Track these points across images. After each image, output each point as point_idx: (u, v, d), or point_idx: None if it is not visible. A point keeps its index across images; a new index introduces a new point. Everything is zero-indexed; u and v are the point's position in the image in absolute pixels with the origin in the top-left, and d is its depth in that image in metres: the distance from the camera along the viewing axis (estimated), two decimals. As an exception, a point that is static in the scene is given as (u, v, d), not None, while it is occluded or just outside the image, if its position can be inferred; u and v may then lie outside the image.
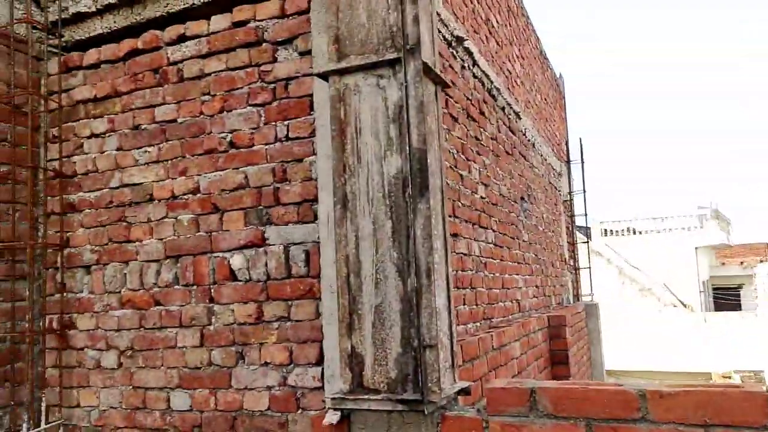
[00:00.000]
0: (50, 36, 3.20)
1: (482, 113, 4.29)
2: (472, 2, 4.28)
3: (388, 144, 2.14)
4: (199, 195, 2.88)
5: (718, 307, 24.46)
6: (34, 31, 3.15)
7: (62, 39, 3.22)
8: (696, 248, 22.03)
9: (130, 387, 2.91)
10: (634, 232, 23.87)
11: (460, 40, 3.78)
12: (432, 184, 2.12)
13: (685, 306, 19.23)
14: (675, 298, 19.18)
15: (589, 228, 21.57)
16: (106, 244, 3.04)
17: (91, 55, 3.17)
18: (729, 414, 1.68)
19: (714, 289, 25.24)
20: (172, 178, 2.93)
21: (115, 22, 3.14)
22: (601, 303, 9.50)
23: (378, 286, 2.10)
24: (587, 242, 9.68)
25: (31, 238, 3.04)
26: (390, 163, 2.13)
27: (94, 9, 3.13)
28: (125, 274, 2.99)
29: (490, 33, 4.83)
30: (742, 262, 25.41)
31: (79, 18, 3.20)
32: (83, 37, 3.23)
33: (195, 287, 2.83)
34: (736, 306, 24.54)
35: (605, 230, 24.15)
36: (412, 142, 2.09)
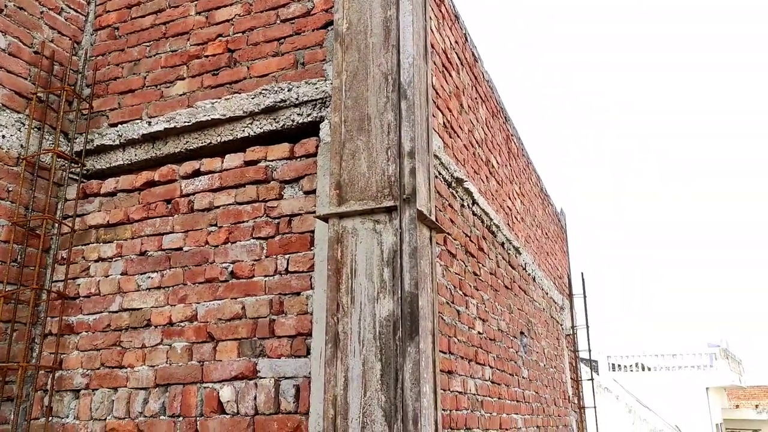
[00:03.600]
0: (73, 164, 3.41)
1: (481, 249, 4.40)
2: (473, 146, 4.55)
3: (381, 286, 2.22)
4: (195, 323, 2.92)
5: (735, 453, 23.09)
6: (58, 159, 3.37)
7: (84, 167, 3.43)
8: (707, 389, 21.26)
9: None
10: (643, 368, 23.20)
11: (459, 181, 3.98)
12: (422, 328, 2.16)
13: (699, 451, 18.18)
14: (688, 441, 18.20)
15: (596, 362, 21.02)
16: (98, 369, 3.04)
17: (109, 184, 3.36)
18: None
19: (729, 433, 23.99)
20: (171, 305, 2.99)
21: (135, 155, 3.37)
22: (608, 445, 9.05)
23: (364, 430, 2.07)
24: (592, 378, 9.42)
25: (24, 359, 3.05)
26: (382, 305, 2.19)
27: (118, 143, 3.37)
28: (113, 401, 2.95)
29: (491, 173, 5.08)
30: (756, 405, 24.36)
31: (102, 150, 3.43)
32: (104, 167, 3.44)
33: (181, 419, 2.78)
34: (754, 453, 23.16)
35: (613, 365, 23.50)
36: (405, 286, 2.17)
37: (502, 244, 5.08)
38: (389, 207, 2.28)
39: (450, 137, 3.99)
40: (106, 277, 3.19)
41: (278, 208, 2.94)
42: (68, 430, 3.00)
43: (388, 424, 2.05)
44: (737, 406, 25.09)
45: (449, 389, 3.35)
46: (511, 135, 6.08)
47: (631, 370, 23.11)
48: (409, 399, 2.04)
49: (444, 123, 3.88)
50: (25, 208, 3.21)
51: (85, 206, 3.38)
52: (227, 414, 2.71)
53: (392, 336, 2.14)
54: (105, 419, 2.94)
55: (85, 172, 3.46)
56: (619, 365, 23.34)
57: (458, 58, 4.28)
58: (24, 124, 3.27)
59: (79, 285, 3.23)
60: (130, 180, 3.31)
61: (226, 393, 2.73)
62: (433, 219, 2.43)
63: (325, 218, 2.42)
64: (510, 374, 4.78)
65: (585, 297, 9.38)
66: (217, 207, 3.07)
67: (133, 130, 3.35)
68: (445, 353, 3.35)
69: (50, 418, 3.04)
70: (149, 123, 3.32)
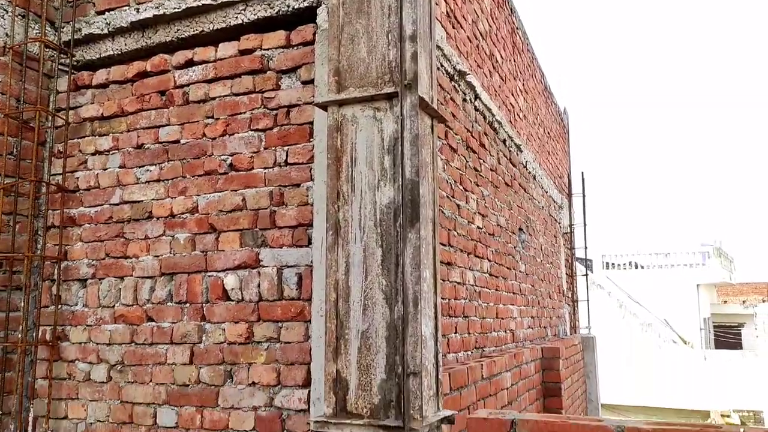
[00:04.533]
0: (62, 55, 3.29)
1: (482, 145, 4.35)
2: (476, 38, 4.38)
3: (381, 174, 2.20)
4: (197, 215, 2.93)
5: (719, 345, 24.25)
6: (46, 49, 3.25)
7: (73, 58, 3.31)
8: (698, 285, 21.94)
9: (118, 401, 2.93)
10: (637, 267, 23.81)
11: (462, 74, 3.87)
12: (423, 215, 2.17)
13: (685, 343, 19.09)
14: (675, 334, 19.05)
15: (591, 260, 21.54)
16: (103, 259, 3.09)
17: (101, 75, 3.26)
18: (704, 455, 1.70)
19: (715, 326, 25.05)
20: (172, 197, 2.99)
21: (125, 44, 3.24)
22: (600, 336, 9.47)
23: (365, 312, 2.14)
24: (587, 275, 9.68)
25: (29, 249, 3.10)
26: (383, 193, 2.19)
27: (106, 31, 3.23)
28: (120, 289, 3.03)
29: (494, 67, 4.93)
30: (743, 301, 25.27)
31: (91, 39, 3.30)
32: (94, 58, 3.32)
33: (188, 305, 2.87)
34: (737, 345, 24.33)
35: (607, 263, 24.10)
36: (406, 173, 2.15)
37: (504, 141, 5.03)
38: (390, 93, 2.22)
39: (453, 27, 3.83)
40: (105, 170, 3.17)
41: (276, 99, 2.87)
42: (78, 316, 3.10)
43: (389, 306, 2.11)
44: (725, 302, 26.04)
45: (448, 280, 3.44)
46: (517, 28, 5.84)
47: (625, 269, 23.74)
48: (409, 282, 2.08)
49: (447, 12, 3.70)
50: (17, 100, 3.13)
51: (78, 98, 3.30)
52: (232, 301, 2.79)
53: (393, 223, 2.15)
54: (113, 306, 3.03)
55: (75, 63, 3.34)
56: (612, 264, 23.95)
57: (463, -61, 4.02)
58: (7, 11, 3.12)
59: (78, 178, 3.22)
60: (121, 71, 3.21)
61: (230, 281, 2.80)
62: (435, 107, 2.37)
63: (324, 106, 2.36)
64: (507, 268, 4.89)
65: (584, 197, 9.44)
66: (213, 98, 2.99)
67: (122, 18, 3.20)
68: (444, 245, 3.40)
69: (59, 306, 3.13)
70: (137, 10, 3.16)
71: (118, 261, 3.06)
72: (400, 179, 2.16)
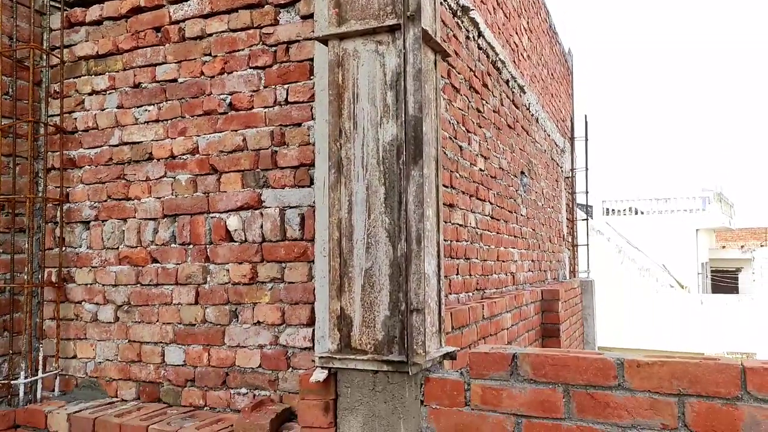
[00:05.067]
0: (53, -10, 3.18)
1: (485, 85, 4.27)
2: (479, -29, 4.22)
3: (384, 110, 2.16)
4: (197, 156, 2.90)
5: (716, 289, 24.56)
6: (36, -16, 3.14)
7: (65, -6, 3.20)
8: (697, 230, 22.04)
9: (126, 341, 2.98)
10: (637, 212, 23.86)
11: (465, 9, 3.75)
12: (426, 153, 2.14)
13: (682, 287, 19.33)
14: (673, 278, 19.27)
15: (591, 206, 21.57)
16: (105, 201, 3.08)
17: (94, 11, 3.16)
18: (703, 384, 1.73)
19: (712, 271, 25.31)
20: (171, 138, 2.95)
21: (117, -22, 3.12)
22: (598, 280, 9.57)
23: (369, 250, 2.14)
24: (587, 220, 9.70)
25: (30, 191, 3.08)
26: (385, 130, 2.15)
27: (97, -36, 3.11)
28: (123, 231, 3.03)
29: (498, 4, 4.78)
30: (742, 246, 25.44)
31: (82, -27, 3.18)
32: (86, -7, 3.21)
33: (191, 246, 2.88)
34: (734, 289, 24.65)
35: (607, 209, 24.14)
36: (408, 109, 2.11)
37: (507, 82, 4.93)
38: (392, 26, 2.15)
39: (456, -41, 3.69)
40: (102, 110, 3.12)
41: (275, 35, 2.79)
42: (82, 258, 3.12)
43: (392, 243, 2.11)
44: (724, 247, 26.22)
45: (450, 221, 3.43)
46: (522, -38, 5.64)
47: (625, 214, 23.79)
48: (412, 220, 2.07)
49: (450, -58, 3.56)
50: (9, 38, 3.05)
51: (72, 36, 3.21)
52: (235, 242, 2.79)
53: (396, 160, 2.12)
54: (118, 248, 3.04)
55: (66, -1, 3.23)
56: (612, 210, 23.98)
57: None
58: (-7, -56, 2.99)
59: (75, 119, 3.17)
60: (114, 6, 3.11)
61: (233, 222, 2.79)
62: (438, 41, 2.30)
63: (324, 40, 2.29)
64: (509, 211, 4.88)
65: (586, 141, 9.35)
66: (210, 35, 2.91)
67: (113, -50, 3.07)
68: (447, 187, 3.38)
69: (63, 248, 3.14)
70: (129, -59, 3.03)
71: (120, 203, 3.04)
72: (403, 115, 2.12)
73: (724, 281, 25.04)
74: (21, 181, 3.08)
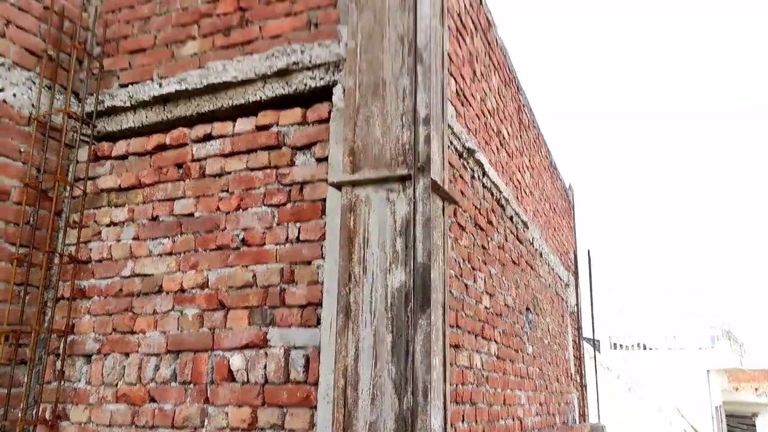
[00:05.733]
0: (84, 126, 3.38)
1: (490, 222, 4.37)
2: (484, 115, 4.48)
3: (393, 257, 2.20)
4: (207, 290, 2.91)
5: (733, 434, 23.31)
6: (69, 120, 3.33)
7: (95, 129, 3.39)
8: (708, 371, 21.37)
9: (113, 484, 2.81)
10: (645, 348, 23.31)
11: (471, 151, 3.93)
12: (434, 300, 2.15)
13: None
14: (687, 422, 18.39)
15: (598, 341, 21.15)
16: (110, 334, 3.05)
17: (121, 147, 3.33)
18: None
19: (727, 415, 24.18)
20: (183, 271, 2.98)
21: (146, 117, 3.32)
22: (609, 424, 9.14)
23: (374, 401, 2.07)
24: (595, 357, 9.47)
25: (37, 322, 3.06)
26: (394, 276, 2.18)
27: (128, 104, 3.32)
28: (124, 366, 2.96)
29: (501, 144, 5.02)
30: (756, 388, 24.49)
31: (113, 111, 3.39)
32: (115, 129, 3.40)
33: (192, 386, 2.80)
34: (752, 435, 23.38)
35: (615, 344, 23.62)
36: (417, 257, 2.15)
37: (511, 218, 5.05)
38: (403, 176, 2.25)
39: (462, 105, 3.92)
40: (118, 241, 3.18)
41: (290, 175, 2.91)
42: (80, 394, 3.02)
43: (398, 396, 2.05)
44: (737, 389, 25.23)
45: (456, 363, 3.36)
46: (523, 105, 5.99)
47: (633, 350, 23.23)
48: (419, 371, 2.03)
49: (456, 90, 3.81)
50: (37, 169, 3.19)
51: (97, 169, 3.35)
52: (237, 382, 2.72)
53: (404, 307, 2.13)
54: (116, 385, 2.95)
55: (96, 134, 3.42)
56: (620, 344, 23.46)
57: (472, 22, 4.19)
58: (35, 83, 3.22)
59: (91, 249, 3.23)
60: (141, 143, 3.28)
61: (236, 361, 2.74)
62: (447, 190, 2.40)
63: (338, 186, 2.39)
64: (515, 350, 4.79)
65: (590, 274, 9.38)
66: (229, 172, 3.04)
67: (144, 92, 3.30)
68: (452, 327, 3.35)
69: (62, 382, 3.06)
70: (160, 84, 3.27)
71: (124, 336, 3.01)
72: (412, 262, 2.15)
73: (740, 427, 23.84)
74: (29, 311, 3.07)
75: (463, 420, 3.35)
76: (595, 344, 12.30)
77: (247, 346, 2.74)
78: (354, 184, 2.35)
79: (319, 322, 2.63)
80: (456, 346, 3.38)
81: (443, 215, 2.42)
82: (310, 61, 2.93)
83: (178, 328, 2.91)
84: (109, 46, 3.49)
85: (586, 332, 9.17)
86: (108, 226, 3.23)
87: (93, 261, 3.20)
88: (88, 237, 3.25)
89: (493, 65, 4.77)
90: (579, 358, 8.43)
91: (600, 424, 7.58)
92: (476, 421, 3.58)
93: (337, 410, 2.11)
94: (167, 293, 2.98)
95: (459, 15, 3.83)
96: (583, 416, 8.08)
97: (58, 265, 3.21)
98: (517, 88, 5.72)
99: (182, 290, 2.96)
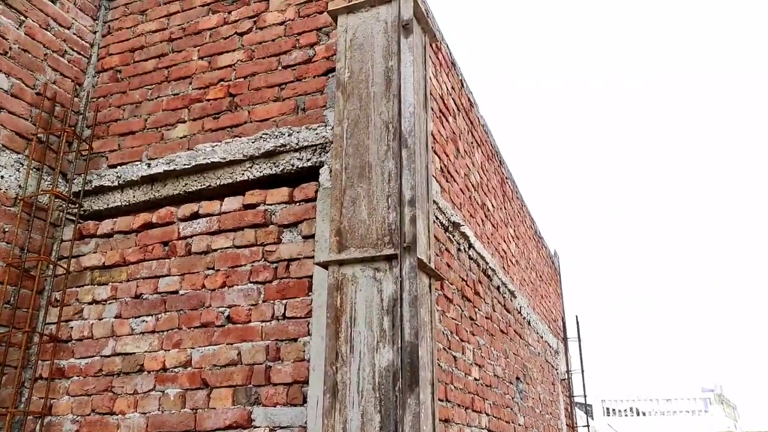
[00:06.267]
0: (71, 205, 3.40)
1: (477, 293, 4.38)
2: (468, 190, 4.58)
3: (381, 335, 2.20)
4: (189, 368, 2.87)
5: (733, 502, 22.61)
6: (56, 200, 3.36)
7: (81, 208, 3.42)
8: (703, 435, 20.96)
9: None
10: (638, 413, 22.89)
11: (456, 225, 4.00)
12: (422, 378, 2.14)
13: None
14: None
15: (591, 406, 20.76)
16: (89, 415, 2.96)
17: (106, 225, 3.34)
18: None
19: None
20: (165, 350, 2.94)
21: (134, 196, 3.36)
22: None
23: (362, 485, 2.02)
24: (588, 426, 9.28)
25: (13, 404, 2.97)
26: (382, 355, 2.17)
27: (116, 184, 3.37)
28: (102, 449, 2.87)
29: (486, 216, 5.10)
30: (753, 453, 23.96)
31: (101, 191, 3.43)
32: (101, 208, 3.43)
33: (173, 469, 2.71)
34: (752, 503, 22.71)
35: (607, 409, 23.19)
36: (405, 335, 2.15)
37: (498, 288, 5.07)
38: (389, 255, 2.28)
39: (447, 181, 4.02)
40: (100, 320, 3.14)
41: (276, 253, 2.93)
42: (54, 479, 2.91)
43: (387, 479, 2.00)
44: (733, 453, 24.67)
45: (446, 438, 3.29)
46: (506, 178, 6.13)
47: (626, 415, 22.80)
48: (408, 453, 1.99)
49: (441, 167, 3.91)
50: (21, 249, 3.18)
51: (81, 247, 3.35)
52: (220, 465, 2.64)
53: (392, 387, 2.11)
54: (93, 469, 2.85)
55: (82, 212, 3.44)
56: (613, 410, 23.03)
57: (455, 103, 4.35)
58: (23, 165, 3.27)
59: (72, 327, 3.18)
60: (127, 221, 3.30)
61: (219, 442, 2.67)
62: (433, 267, 2.43)
63: (324, 265, 2.41)
64: (506, 422, 4.70)
65: (579, 340, 9.33)
66: (215, 250, 3.05)
67: (133, 172, 3.35)
68: (442, 401, 3.30)
69: (36, 466, 2.95)
70: (149, 165, 3.33)
71: (103, 417, 2.93)
72: (399, 341, 2.15)
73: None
74: (5, 392, 2.99)
75: (454, 501, 3.25)
76: (587, 410, 12.06)
77: (230, 427, 2.67)
78: (341, 263, 2.38)
79: (305, 401, 2.59)
80: (446, 421, 3.32)
81: (430, 292, 2.44)
82: (297, 144, 3.02)
83: (159, 409, 2.84)
84: (99, 128, 3.57)
85: (578, 398, 9.02)
86: (90, 304, 3.20)
87: (73, 340, 3.15)
88: (70, 315, 3.21)
89: (476, 142, 4.93)
90: (572, 426, 8.25)
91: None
92: (468, 501, 3.47)
93: (325, 498, 2.05)
94: (149, 372, 2.93)
95: (441, 97, 3.98)
96: (578, 489, 7.83)
97: (38, 344, 3.16)
98: (500, 162, 5.88)
99: (164, 369, 2.90)
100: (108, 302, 3.17)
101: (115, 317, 3.12)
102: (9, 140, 3.22)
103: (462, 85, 4.63)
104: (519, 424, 5.11)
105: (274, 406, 2.64)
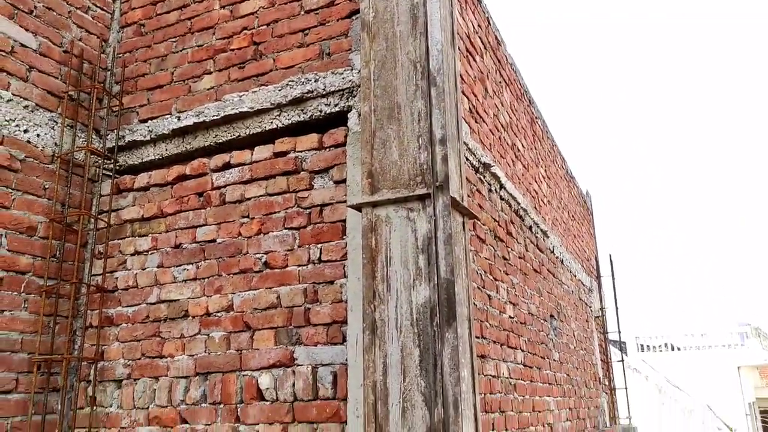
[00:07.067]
0: (106, 161, 3.47)
1: (509, 233, 4.39)
2: (498, 130, 4.52)
3: (417, 273, 2.23)
4: (232, 313, 2.97)
5: (768, 432, 22.80)
6: (91, 156, 3.43)
7: (116, 164, 3.49)
8: (738, 368, 20.98)
9: None
10: (673, 348, 22.96)
11: (486, 166, 3.97)
12: (459, 313, 2.18)
13: (731, 430, 18.02)
14: (720, 421, 18.04)
15: (625, 343, 20.89)
16: (139, 359, 3.11)
17: (142, 179, 3.41)
18: None
19: (762, 412, 23.67)
20: (208, 296, 3.04)
21: (166, 149, 3.41)
22: (640, 425, 9.02)
23: (405, 415, 2.10)
24: (623, 360, 9.37)
25: (67, 351, 3.14)
26: (418, 292, 2.21)
27: (148, 138, 3.41)
28: (155, 390, 3.03)
29: (516, 157, 5.04)
30: (790, 384, 23.95)
31: (134, 145, 3.49)
32: (136, 162, 3.50)
33: (222, 406, 2.85)
34: (788, 432, 22.84)
35: (641, 345, 23.30)
36: (440, 272, 2.18)
37: (530, 228, 5.06)
38: (422, 195, 2.29)
39: (476, 122, 3.97)
40: (143, 269, 3.25)
41: (309, 199, 2.96)
42: (112, 419, 3.09)
43: (428, 408, 2.08)
44: (769, 385, 24.70)
45: (483, 373, 3.37)
46: (536, 118, 6.02)
47: (660, 351, 22.90)
48: (448, 384, 2.06)
49: (469, 108, 3.85)
50: (62, 204, 3.28)
51: (120, 201, 3.44)
52: (267, 401, 2.76)
53: (429, 322, 2.16)
54: (148, 408, 3.02)
55: (117, 167, 3.52)
56: (647, 346, 23.13)
57: (481, 42, 4.25)
58: (57, 123, 3.33)
59: (117, 278, 3.30)
60: (162, 174, 3.36)
61: (264, 380, 2.78)
62: (466, 205, 2.43)
63: (358, 207, 2.43)
64: (541, 357, 4.78)
65: (613, 278, 9.31)
66: (249, 199, 3.10)
67: (163, 126, 3.39)
68: (478, 338, 3.36)
69: (95, 407, 3.13)
70: (178, 118, 3.36)
71: (153, 361, 3.07)
72: (436, 278, 2.19)
73: (776, 423, 23.31)
74: (59, 340, 3.15)
75: (493, 429, 3.35)
76: (621, 347, 12.15)
77: (274, 365, 2.78)
78: (374, 205, 2.40)
79: (344, 340, 2.67)
80: (482, 357, 3.39)
81: (464, 230, 2.45)
82: (324, 89, 3.00)
83: (205, 351, 2.96)
84: (127, 83, 3.59)
85: (612, 336, 9.08)
86: (132, 255, 3.30)
87: (119, 289, 3.28)
88: (114, 267, 3.33)
89: (504, 81, 4.82)
90: (606, 362, 8.35)
91: (632, 426, 7.49)
92: (506, 429, 3.58)
93: (368, 425, 2.14)
94: (193, 317, 3.04)
95: (468, 36, 3.89)
96: (613, 419, 7.98)
97: (86, 294, 3.29)
98: (529, 101, 5.76)
99: (208, 314, 3.01)
100: (150, 253, 3.27)
101: (158, 267, 3.22)
102: (42, 99, 3.27)
103: (489, 22, 4.50)
104: (554, 360, 5.19)
105: (315, 346, 2.73)
